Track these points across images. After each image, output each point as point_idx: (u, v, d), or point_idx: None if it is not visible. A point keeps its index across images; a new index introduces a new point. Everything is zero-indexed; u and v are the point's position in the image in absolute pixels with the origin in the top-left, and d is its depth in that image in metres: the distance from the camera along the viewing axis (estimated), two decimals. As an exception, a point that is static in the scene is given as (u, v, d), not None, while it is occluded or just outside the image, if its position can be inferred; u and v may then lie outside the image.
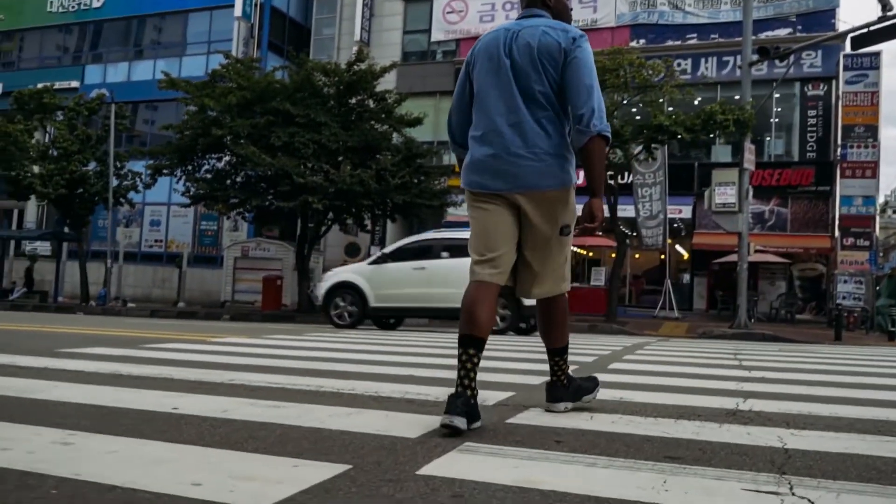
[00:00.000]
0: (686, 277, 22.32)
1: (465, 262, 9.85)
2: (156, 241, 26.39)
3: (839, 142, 19.84)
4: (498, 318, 9.83)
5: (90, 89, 24.57)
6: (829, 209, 20.47)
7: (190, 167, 17.81)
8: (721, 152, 21.27)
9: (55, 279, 22.75)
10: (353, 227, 19.31)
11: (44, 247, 26.01)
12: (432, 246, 11.31)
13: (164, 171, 17.99)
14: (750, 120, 14.02)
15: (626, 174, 18.90)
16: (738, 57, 16.39)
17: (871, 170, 19.19)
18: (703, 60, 21.49)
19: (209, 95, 16.69)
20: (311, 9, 27.21)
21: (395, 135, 17.92)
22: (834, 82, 20.52)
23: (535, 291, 2.81)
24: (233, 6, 24.71)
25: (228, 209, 18.05)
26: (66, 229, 22.11)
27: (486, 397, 3.12)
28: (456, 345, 2.54)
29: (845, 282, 18.65)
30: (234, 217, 20.96)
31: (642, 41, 21.96)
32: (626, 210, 18.24)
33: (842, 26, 19.49)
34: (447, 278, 10.57)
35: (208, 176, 17.63)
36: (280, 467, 1.86)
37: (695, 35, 21.92)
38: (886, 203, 45.91)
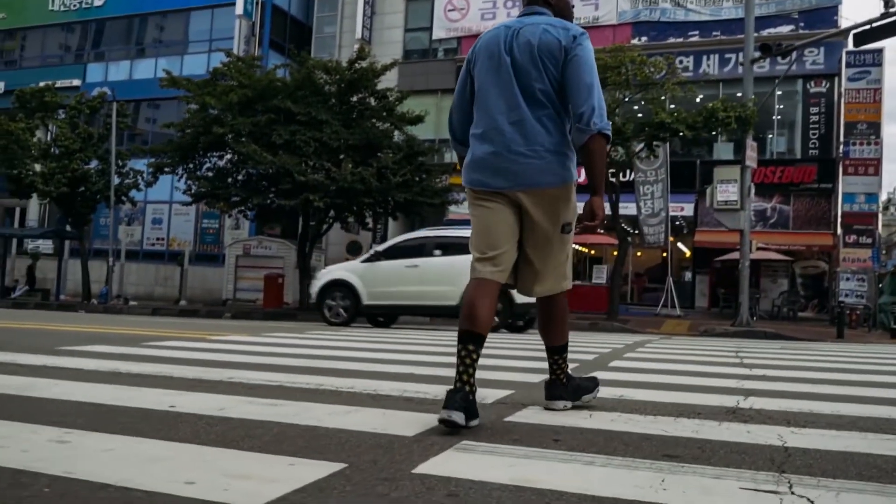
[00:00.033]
0: (688, 275, 22.29)
1: (457, 260, 9.91)
2: (157, 239, 26.41)
3: (841, 139, 19.79)
4: None
5: (92, 88, 24.59)
6: (832, 206, 20.42)
7: (191, 165, 17.81)
8: (723, 150, 21.22)
9: (57, 277, 22.78)
10: (355, 226, 19.30)
11: (46, 245, 26.06)
12: (425, 244, 11.34)
13: (166, 170, 18.00)
14: (752, 117, 13.98)
15: (627, 172, 18.86)
16: (740, 54, 16.34)
17: (873, 167, 19.13)
18: (704, 58, 21.44)
19: (210, 93, 16.67)
20: (313, 7, 27.19)
21: (396, 133, 17.90)
22: (836, 79, 20.46)
23: (536, 289, 2.81)
24: (234, 4, 24.71)
25: (230, 207, 18.05)
26: (68, 227, 22.12)
27: (485, 395, 3.11)
28: (456, 343, 2.54)
29: (848, 279, 18.59)
30: (235, 215, 20.96)
31: (644, 38, 21.92)
32: (627, 208, 18.23)
33: (844, 23, 19.42)
34: (440, 276, 10.64)
35: (210, 174, 17.62)
36: (275, 466, 1.85)
37: (697, 32, 21.86)
38: (889, 200, 45.83)
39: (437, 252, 11.00)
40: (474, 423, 2.44)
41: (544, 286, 2.79)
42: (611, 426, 2.57)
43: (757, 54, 14.81)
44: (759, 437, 2.45)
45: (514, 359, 5.37)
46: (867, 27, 13.14)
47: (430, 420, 2.52)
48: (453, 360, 2.55)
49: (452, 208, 19.07)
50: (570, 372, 2.98)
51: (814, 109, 20.76)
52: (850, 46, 16.01)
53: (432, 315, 11.81)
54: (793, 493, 1.72)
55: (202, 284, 23.74)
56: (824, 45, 19.72)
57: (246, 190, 16.96)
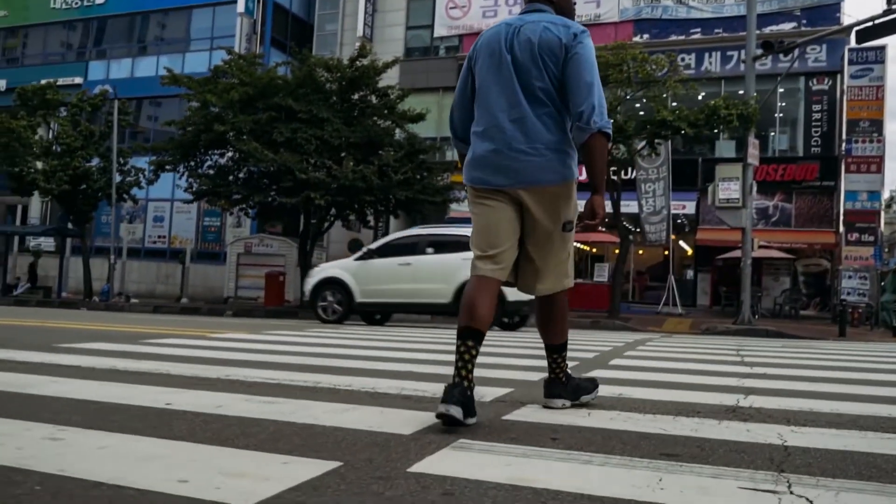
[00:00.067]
0: (690, 273, 22.25)
1: (450, 258, 9.93)
2: (159, 237, 26.43)
3: (844, 136, 19.74)
4: None
5: (93, 85, 24.60)
6: (834, 204, 20.38)
7: (193, 163, 17.82)
8: (725, 147, 21.17)
9: (59, 275, 22.80)
10: (356, 224, 19.30)
11: (47, 242, 26.11)
12: (418, 242, 11.36)
13: (167, 167, 18.02)
14: (754, 115, 13.94)
15: (629, 170, 18.82)
16: (742, 51, 16.30)
17: (875, 165, 19.09)
18: (706, 55, 21.39)
19: (211, 91, 16.67)
20: (314, 4, 27.16)
21: (397, 131, 17.88)
22: (839, 77, 20.40)
23: (538, 287, 2.80)
24: (236, 2, 24.73)
25: (231, 205, 18.05)
26: (70, 225, 22.15)
27: (484, 393, 3.09)
28: (456, 339, 2.54)
29: (850, 277, 18.56)
30: (237, 213, 20.97)
31: (646, 36, 21.88)
32: (629, 206, 18.18)
33: (846, 20, 19.37)
34: (432, 274, 10.70)
35: (211, 172, 17.63)
36: (270, 464, 1.84)
37: (698, 30, 21.81)
38: (891, 198, 45.72)
39: (430, 250, 11.04)
40: (472, 421, 2.43)
41: (546, 284, 2.79)
42: (609, 425, 2.55)
43: (759, 52, 14.76)
44: (759, 435, 2.43)
45: (513, 357, 5.36)
46: (870, 24, 13.09)
47: (428, 418, 2.51)
48: (452, 358, 2.54)
49: (454, 206, 19.05)
50: (569, 371, 2.97)
51: (816, 107, 20.71)
52: (853, 43, 15.95)
53: (425, 313, 11.84)
54: (792, 492, 1.70)
55: (204, 282, 23.75)
56: (826, 42, 19.66)
57: (247, 188, 16.96)
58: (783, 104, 21.28)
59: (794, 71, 18.69)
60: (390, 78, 18.97)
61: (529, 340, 7.49)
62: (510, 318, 10.95)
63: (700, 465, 1.96)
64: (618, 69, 14.25)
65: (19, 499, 1.50)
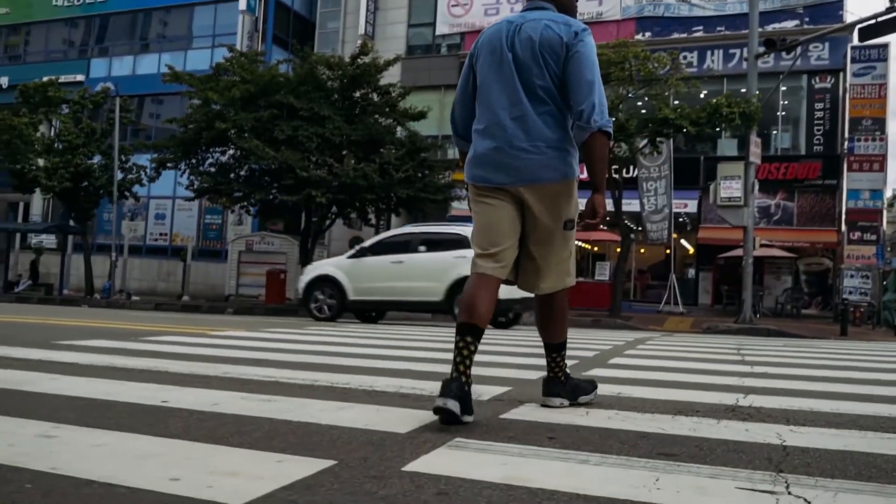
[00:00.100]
0: (691, 272, 22.20)
1: (441, 257, 9.99)
2: (160, 234, 26.44)
3: (846, 135, 19.65)
4: None
5: (95, 83, 24.60)
6: (836, 203, 20.32)
7: (194, 161, 17.82)
8: (727, 146, 21.12)
9: (60, 272, 22.81)
10: (357, 222, 19.29)
11: (49, 240, 26.13)
12: (410, 240, 11.40)
13: (168, 165, 18.02)
14: (756, 113, 13.90)
15: (631, 168, 18.78)
16: (745, 49, 16.26)
17: (878, 163, 19.01)
18: (709, 53, 21.33)
19: (213, 89, 16.66)
20: (316, 2, 27.12)
21: (399, 128, 17.86)
22: (841, 75, 20.31)
23: (540, 286, 2.79)
24: (238, 0, 24.68)
25: (232, 203, 18.06)
26: (72, 222, 22.15)
27: (482, 392, 3.08)
28: (455, 335, 2.53)
29: (852, 276, 18.51)
30: (238, 211, 20.97)
31: (648, 34, 21.81)
32: (630, 204, 18.13)
33: (849, 17, 19.31)
34: (424, 272, 10.75)
35: (212, 169, 17.62)
36: (264, 462, 1.82)
37: (701, 28, 21.75)
38: (894, 197, 45.55)
39: (423, 248, 11.09)
40: (469, 419, 2.42)
41: (547, 283, 2.78)
42: (607, 424, 2.54)
43: (761, 49, 14.72)
44: (758, 435, 2.41)
45: (511, 355, 5.34)
46: (872, 22, 13.05)
47: (425, 417, 2.49)
48: (451, 356, 2.53)
49: (455, 204, 19.04)
50: (568, 371, 2.96)
51: (818, 105, 20.65)
52: (856, 41, 15.91)
53: (416, 310, 11.85)
54: (790, 493, 1.69)
55: (205, 280, 23.76)
56: (829, 40, 19.60)
57: (248, 185, 16.95)
58: (785, 102, 21.22)
59: (797, 69, 18.63)
60: (392, 76, 18.95)
61: (528, 339, 7.48)
62: (503, 316, 10.98)
63: (698, 465, 1.94)
64: (620, 67, 14.21)
65: (9, 497, 1.49)
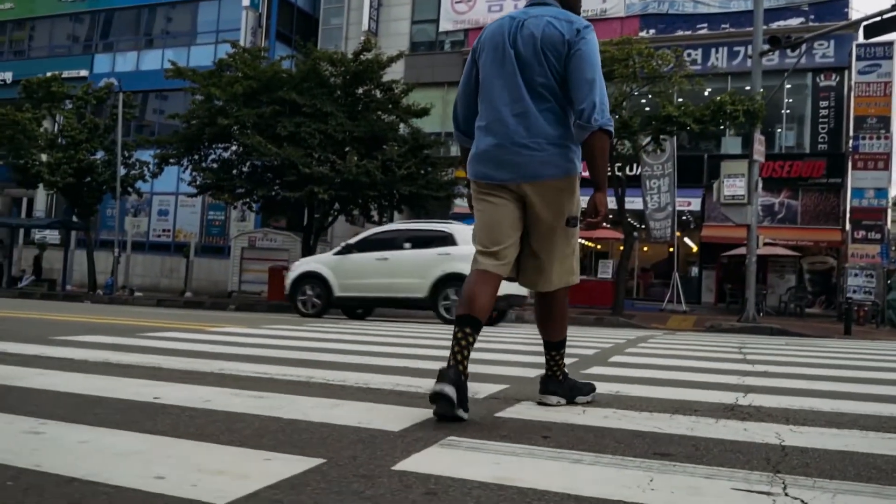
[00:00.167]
0: (694, 270, 22.14)
1: (425, 254, 10.08)
2: (164, 230, 26.46)
3: (851, 133, 19.57)
4: None
5: (99, 78, 24.59)
6: (840, 201, 20.23)
7: (197, 157, 17.81)
8: (731, 144, 21.05)
9: (63, 268, 22.83)
10: (360, 218, 19.26)
11: (52, 235, 26.14)
12: (395, 237, 11.52)
13: (171, 161, 18.01)
14: (760, 111, 13.83)
15: (634, 166, 18.72)
16: (749, 47, 16.18)
17: (883, 161, 18.94)
18: (713, 50, 21.25)
19: (215, 85, 16.65)
20: (320, -2, 27.12)
21: (401, 125, 17.84)
22: (846, 72, 20.22)
23: (542, 284, 2.78)
24: (241, -5, 24.70)
25: (235, 199, 18.05)
26: (75, 218, 22.17)
27: (478, 390, 3.05)
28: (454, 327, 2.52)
29: (856, 275, 18.43)
30: (241, 207, 20.98)
31: (652, 31, 21.73)
32: (634, 202, 18.09)
33: (854, 15, 19.22)
34: (409, 269, 10.86)
35: (215, 166, 17.62)
36: (251, 461, 1.79)
37: (705, 25, 21.66)
38: (899, 196, 45.36)
39: (407, 245, 11.19)
40: (464, 415, 2.39)
41: (550, 280, 2.76)
42: (603, 423, 2.50)
43: (766, 47, 14.65)
44: (756, 435, 2.37)
45: (509, 353, 5.31)
46: (878, 19, 12.97)
47: (419, 414, 2.46)
48: (449, 354, 2.50)
49: (457, 202, 19.03)
50: (566, 370, 2.93)
51: (823, 103, 20.56)
52: (861, 39, 15.80)
53: (400, 307, 11.87)
54: (787, 494, 1.65)
55: (208, 276, 23.77)
56: (834, 37, 19.50)
57: (251, 182, 16.94)
58: (790, 100, 21.13)
59: (801, 67, 18.52)
60: (395, 72, 18.91)
61: (526, 337, 7.45)
62: (499, 312, 10.96)
63: (694, 465, 1.91)
64: (623, 64, 14.14)
65: (-11, 494, 1.47)
